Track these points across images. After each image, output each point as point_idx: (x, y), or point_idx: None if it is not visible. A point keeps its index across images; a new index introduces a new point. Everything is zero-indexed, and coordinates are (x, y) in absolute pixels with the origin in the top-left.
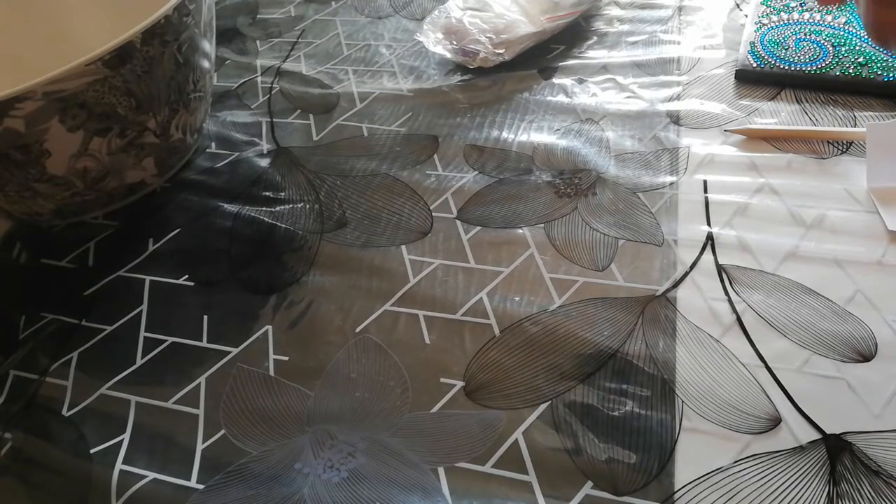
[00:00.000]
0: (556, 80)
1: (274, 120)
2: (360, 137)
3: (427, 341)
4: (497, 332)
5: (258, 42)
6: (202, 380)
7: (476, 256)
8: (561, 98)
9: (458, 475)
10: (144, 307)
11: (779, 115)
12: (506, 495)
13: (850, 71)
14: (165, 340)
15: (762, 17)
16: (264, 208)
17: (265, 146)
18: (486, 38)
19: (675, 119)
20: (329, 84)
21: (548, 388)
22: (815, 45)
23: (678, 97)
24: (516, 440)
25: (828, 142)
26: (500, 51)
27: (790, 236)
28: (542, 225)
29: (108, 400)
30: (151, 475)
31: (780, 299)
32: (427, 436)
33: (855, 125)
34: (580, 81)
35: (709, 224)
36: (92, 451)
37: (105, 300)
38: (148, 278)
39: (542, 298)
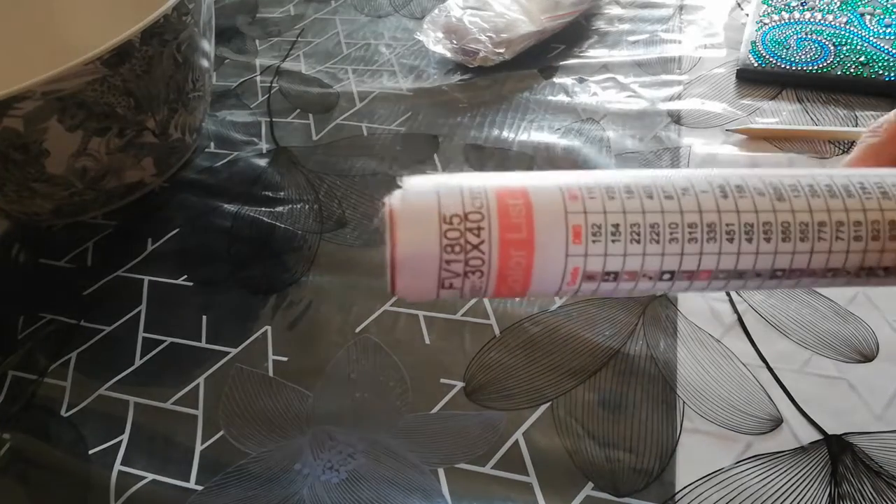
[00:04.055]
0: (556, 80)
1: (273, 119)
2: (359, 137)
3: (427, 341)
4: (497, 332)
5: (257, 41)
6: (201, 380)
7: None
8: (561, 97)
9: (459, 476)
10: (143, 307)
11: (780, 114)
12: (506, 496)
13: (852, 70)
14: (164, 341)
15: (763, 16)
16: (264, 208)
17: (264, 146)
18: (487, 37)
19: (675, 118)
20: (328, 83)
21: (548, 388)
22: (816, 45)
23: (679, 96)
24: (517, 441)
25: (829, 141)
26: (501, 50)
27: None
28: None
29: (106, 400)
30: (150, 476)
31: (782, 299)
32: (427, 437)
33: (856, 125)
34: (581, 81)
35: None
36: (91, 451)
37: (104, 300)
38: (147, 278)
39: (542, 298)
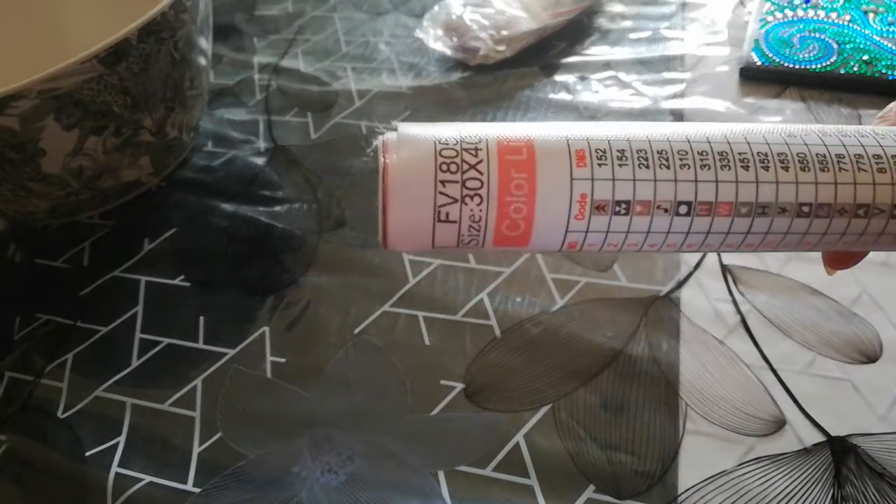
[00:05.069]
0: (557, 78)
1: (271, 118)
2: (358, 135)
3: (427, 343)
4: (498, 333)
5: (255, 39)
6: (198, 382)
7: (477, 256)
8: (563, 95)
9: (459, 479)
10: (140, 308)
11: (783, 113)
12: (507, 499)
13: (855, 69)
14: (161, 342)
15: (766, 13)
16: (261, 207)
17: (262, 144)
18: (487, 34)
19: (678, 117)
20: (327, 81)
21: (550, 390)
22: (819, 43)
23: (682, 94)
24: (517, 443)
25: None
26: (501, 47)
27: None
28: None
29: (103, 402)
30: (147, 478)
31: (785, 300)
32: (427, 439)
33: (860, 124)
34: (582, 78)
35: None
36: (87, 453)
37: (100, 301)
38: (143, 279)
39: (543, 299)
